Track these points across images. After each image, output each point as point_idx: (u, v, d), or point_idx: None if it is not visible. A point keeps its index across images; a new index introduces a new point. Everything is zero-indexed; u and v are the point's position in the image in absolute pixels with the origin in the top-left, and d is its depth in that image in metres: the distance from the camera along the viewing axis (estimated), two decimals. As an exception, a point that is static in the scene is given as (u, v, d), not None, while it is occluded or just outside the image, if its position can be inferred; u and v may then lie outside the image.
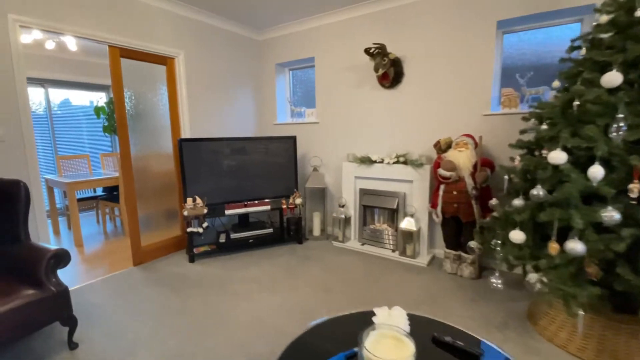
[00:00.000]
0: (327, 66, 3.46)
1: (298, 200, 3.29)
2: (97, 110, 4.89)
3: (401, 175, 2.93)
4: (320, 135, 3.64)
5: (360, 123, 3.32)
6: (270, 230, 3.30)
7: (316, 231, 3.58)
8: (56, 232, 3.97)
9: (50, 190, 3.80)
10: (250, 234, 3.21)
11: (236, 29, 3.61)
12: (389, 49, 2.94)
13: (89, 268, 2.88)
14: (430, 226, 2.95)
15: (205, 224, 2.96)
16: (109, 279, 2.65)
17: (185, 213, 2.88)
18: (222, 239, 3.13)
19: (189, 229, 2.90)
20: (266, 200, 3.31)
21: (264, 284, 2.51)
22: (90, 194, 4.39)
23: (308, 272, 2.71)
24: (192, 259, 2.97)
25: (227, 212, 3.10)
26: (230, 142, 3.16)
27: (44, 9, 2.18)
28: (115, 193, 4.19)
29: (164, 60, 3.03)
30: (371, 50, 2.84)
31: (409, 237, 2.92)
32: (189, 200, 2.92)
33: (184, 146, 2.98)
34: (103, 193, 4.28)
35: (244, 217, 3.38)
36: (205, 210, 2.96)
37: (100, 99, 5.10)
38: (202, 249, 3.06)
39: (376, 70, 2.84)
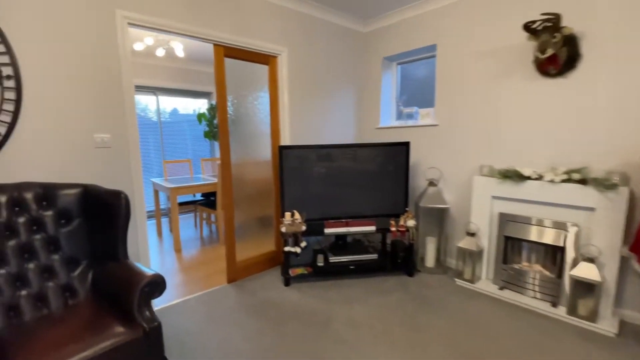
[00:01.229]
0: (454, 54, 2.75)
1: (411, 222, 2.65)
2: (199, 116, 5.08)
3: (574, 200, 2.05)
4: (440, 140, 2.94)
5: (501, 124, 2.51)
6: (375, 256, 2.74)
7: (430, 261, 2.88)
8: (159, 233, 4.12)
9: (156, 193, 3.94)
10: (351, 259, 2.70)
11: (339, 20, 3.18)
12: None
13: (184, 280, 2.74)
14: (620, 277, 1.99)
15: (303, 244, 2.55)
16: (202, 297, 2.43)
17: (283, 229, 2.52)
18: (320, 261, 2.68)
19: (286, 248, 2.53)
20: (370, 219, 2.76)
21: (376, 332, 1.95)
22: (190, 198, 4.49)
23: (433, 324, 2.04)
24: (287, 282, 2.59)
25: (327, 230, 2.64)
26: (333, 149, 2.71)
27: (151, 5, 2.04)
28: (212, 199, 4.18)
29: (267, 59, 2.75)
30: (535, 26, 2.05)
31: (586, 290, 2.01)
32: (287, 215, 2.55)
33: (284, 154, 2.64)
34: (202, 198, 4.32)
35: (343, 238, 2.90)
36: (304, 228, 2.55)
37: (202, 105, 5.32)
38: (298, 271, 2.66)
39: (542, 51, 2.03)
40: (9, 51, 1.60)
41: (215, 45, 2.43)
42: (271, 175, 2.93)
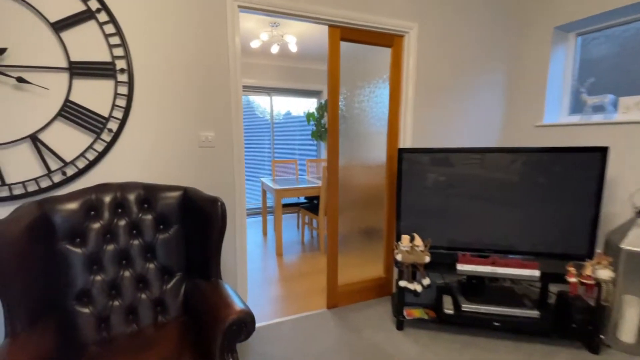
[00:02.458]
0: None
1: (604, 273, 1.69)
2: (308, 116, 4.93)
3: None
4: (663, 147, 1.84)
5: None
6: (534, 313, 1.87)
7: (628, 334, 1.82)
8: (264, 232, 4.09)
9: (264, 192, 3.90)
10: (496, 311, 1.91)
11: (491, -18, 2.37)
12: None
13: (281, 294, 2.46)
14: None
15: (426, 281, 1.91)
16: (298, 322, 2.07)
17: (398, 257, 1.94)
18: (448, 306, 1.99)
19: (401, 283, 1.94)
20: (529, 257, 1.91)
21: None
22: (294, 200, 4.33)
23: None
24: (400, 325, 2.01)
25: (461, 267, 1.93)
26: (475, 154, 1.98)
27: (267, -17, 1.74)
28: (315, 202, 3.91)
29: (390, 40, 2.20)
30: None
31: None
32: (405, 238, 1.96)
33: (404, 158, 2.06)
34: (305, 201, 4.11)
35: (482, 280, 2.12)
36: (428, 259, 1.91)
37: (312, 104, 5.16)
38: (416, 313, 2.04)
39: None
40: (123, 43, 1.52)
41: (330, 26, 2.03)
42: (383, 182, 2.37)
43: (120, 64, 1.53)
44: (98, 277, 1.36)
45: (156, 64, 1.60)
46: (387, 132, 2.31)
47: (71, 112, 1.46)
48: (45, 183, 1.45)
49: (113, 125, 1.54)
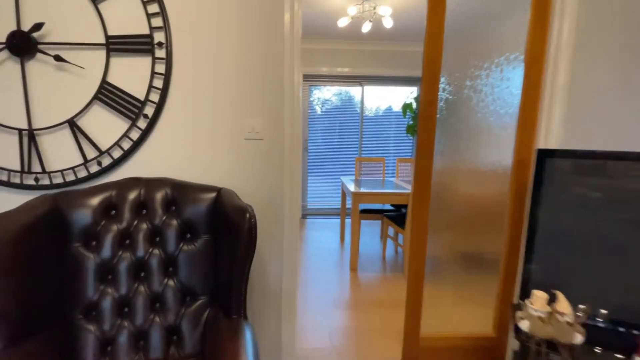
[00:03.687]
0: None
1: None
2: (405, 107, 4.23)
3: None
4: None
5: None
6: None
7: None
8: (342, 237, 3.66)
9: (343, 193, 3.46)
10: None
11: None
12: None
13: (346, 327, 1.97)
14: None
15: (575, 379, 1.13)
16: (359, 377, 1.56)
17: (524, 325, 1.20)
18: None
19: (524, 367, 1.21)
20: None
21: None
22: (378, 206, 3.74)
23: None
24: None
25: (652, 366, 1.07)
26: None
27: None
28: (403, 211, 3.26)
29: (531, -18, 1.42)
30: None
31: None
32: (539, 297, 1.20)
33: (547, 164, 1.28)
34: (391, 208, 3.49)
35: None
36: (580, 339, 1.12)
37: (411, 93, 4.43)
38: (546, 417, 1.26)
39: None
40: (162, 11, 1.26)
41: (432, -31, 1.40)
42: (502, 194, 1.60)
43: (158, 37, 1.28)
44: (110, 289, 1.14)
45: (197, 39, 1.30)
46: (515, 127, 1.54)
47: (108, 95, 1.29)
48: (82, 173, 1.32)
49: (149, 110, 1.31)
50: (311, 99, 4.48)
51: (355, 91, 4.47)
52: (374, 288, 2.48)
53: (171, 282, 1.19)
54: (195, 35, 1.30)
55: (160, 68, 1.29)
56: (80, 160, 1.31)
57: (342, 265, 2.89)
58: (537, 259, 1.36)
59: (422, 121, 1.49)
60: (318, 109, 4.51)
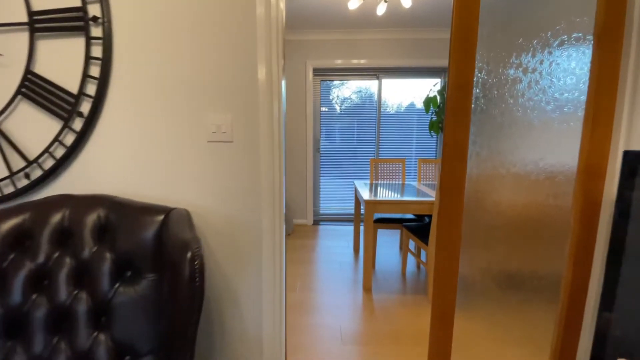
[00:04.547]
0: None
1: None
2: (427, 102, 3.78)
3: None
4: None
5: None
6: None
7: None
8: (356, 249, 3.28)
9: (357, 199, 3.09)
10: None
11: None
12: None
13: (353, 369, 1.61)
14: None
15: None
16: None
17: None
18: None
19: None
20: None
21: None
22: (397, 215, 3.33)
23: None
24: None
25: None
26: None
27: None
28: (427, 220, 2.84)
29: None
30: None
31: None
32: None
33: (643, 176, 0.86)
34: (411, 217, 3.07)
35: None
36: None
37: (434, 86, 3.96)
38: None
39: None
40: (94, -26, 0.96)
41: None
42: (559, 206, 1.18)
43: (94, 10, 0.98)
44: (19, 348, 0.85)
45: (144, 13, 0.98)
46: (582, 122, 1.11)
47: (34, 89, 1.00)
48: (8, 189, 1.05)
49: (85, 106, 1.02)
50: (330, 96, 4.13)
51: (372, 85, 4.06)
52: (391, 315, 2.09)
53: (102, 337, 0.89)
54: (142, 7, 0.98)
55: (97, 51, 0.99)
56: (5, 173, 1.04)
57: (355, 284, 2.52)
58: (622, 305, 0.94)
59: (451, 113, 1.10)
60: (337, 107, 4.16)
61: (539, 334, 1.30)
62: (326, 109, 4.16)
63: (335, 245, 3.39)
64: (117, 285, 0.90)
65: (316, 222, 4.22)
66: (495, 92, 1.14)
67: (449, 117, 1.11)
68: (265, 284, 1.15)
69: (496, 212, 1.23)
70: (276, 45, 1.07)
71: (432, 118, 3.96)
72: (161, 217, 0.91)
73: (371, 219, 2.38)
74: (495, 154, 1.18)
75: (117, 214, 0.93)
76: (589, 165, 1.10)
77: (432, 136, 4.15)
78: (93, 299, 0.89)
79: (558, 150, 1.15)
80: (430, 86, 4.07)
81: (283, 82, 1.13)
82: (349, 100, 4.16)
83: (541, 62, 1.11)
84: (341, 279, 2.59)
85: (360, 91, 4.13)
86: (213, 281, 1.12)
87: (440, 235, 1.21)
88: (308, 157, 4.02)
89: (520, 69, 1.12)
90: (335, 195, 4.34)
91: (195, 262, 0.74)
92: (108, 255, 0.91)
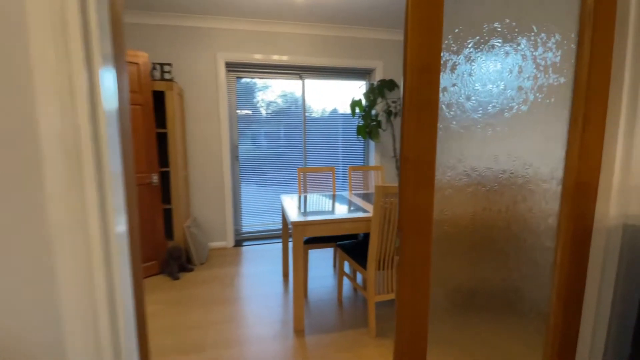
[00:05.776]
0: None
1: None
2: (353, 105, 3.55)
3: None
4: None
5: None
6: None
7: None
8: (285, 274, 2.81)
9: (284, 216, 2.62)
10: None
11: None
12: None
13: None
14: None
15: None
16: None
17: None
18: None
19: None
20: None
21: None
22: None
23: None
24: None
25: None
26: None
27: None
28: (362, 237, 2.53)
29: None
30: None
31: None
32: None
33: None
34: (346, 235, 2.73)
35: None
36: None
37: (359, 88, 3.76)
38: None
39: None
40: None
41: None
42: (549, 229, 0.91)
43: None
44: None
45: None
46: (567, 121, 0.85)
47: None
48: None
49: None
50: (255, 99, 3.57)
51: (296, 87, 3.67)
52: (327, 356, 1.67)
53: None
54: None
55: None
56: None
57: (284, 326, 2.04)
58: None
59: (412, 109, 0.71)
60: (263, 110, 3.62)
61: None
62: (250, 112, 3.61)
63: (261, 272, 2.86)
64: None
65: (238, 243, 3.61)
66: (464, 76, 0.81)
67: (409, 116, 0.73)
68: None
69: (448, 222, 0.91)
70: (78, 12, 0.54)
71: (358, 122, 3.75)
72: None
73: (300, 244, 1.94)
74: (456, 160, 0.85)
75: None
76: (578, 182, 0.84)
77: (359, 141, 3.95)
78: None
79: (534, 153, 0.87)
80: (356, 88, 3.86)
81: (109, 76, 0.60)
82: (275, 104, 3.69)
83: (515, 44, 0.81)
84: (268, 322, 2.08)
85: (285, 95, 3.69)
86: None
87: (404, 284, 0.83)
88: (225, 168, 3.40)
89: (491, 50, 0.81)
90: (261, 208, 3.80)
91: None
92: None
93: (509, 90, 0.84)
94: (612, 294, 0.83)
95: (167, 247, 2.95)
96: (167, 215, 3.05)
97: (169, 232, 3.09)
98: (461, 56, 0.80)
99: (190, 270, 2.93)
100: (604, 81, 0.81)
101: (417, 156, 0.72)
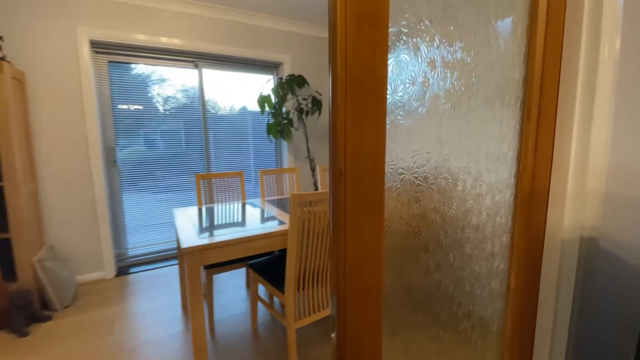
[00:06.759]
0: None
1: None
2: (262, 100, 3.20)
3: None
4: None
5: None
6: None
7: None
8: (184, 305, 2.30)
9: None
10: None
11: None
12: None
13: None
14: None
15: None
16: None
17: None
18: None
19: None
20: None
21: None
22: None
23: None
24: None
25: None
26: None
27: None
28: (277, 253, 2.23)
29: None
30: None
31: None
32: None
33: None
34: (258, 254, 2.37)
35: None
36: None
37: (267, 82, 3.43)
38: None
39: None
40: None
41: None
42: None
43: None
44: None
45: None
46: (519, 117, 0.71)
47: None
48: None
49: None
50: (149, 93, 2.82)
51: (191, 76, 3.10)
52: None
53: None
54: None
55: None
56: None
57: (182, 377, 1.58)
58: None
59: (346, 89, 0.43)
60: (160, 107, 2.90)
61: None
62: (140, 107, 2.89)
63: (153, 308, 2.27)
64: None
65: (123, 271, 2.86)
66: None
67: (343, 101, 0.44)
68: None
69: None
70: None
71: (268, 120, 3.42)
72: None
73: (197, 275, 1.51)
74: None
75: None
76: (527, 192, 0.70)
77: (271, 141, 3.63)
78: None
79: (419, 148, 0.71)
80: (263, 83, 3.52)
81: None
82: (174, 99, 3.05)
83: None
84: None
85: (187, 90, 3.09)
86: None
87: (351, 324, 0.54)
88: (96, 176, 2.63)
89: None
90: (152, 223, 3.11)
91: None
92: None
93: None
94: (568, 317, 0.72)
95: (7, 292, 2.10)
96: (4, 248, 2.17)
97: (9, 272, 2.21)
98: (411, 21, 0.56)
99: (47, 319, 2.15)
100: (554, 74, 0.69)
101: (357, 166, 0.45)
